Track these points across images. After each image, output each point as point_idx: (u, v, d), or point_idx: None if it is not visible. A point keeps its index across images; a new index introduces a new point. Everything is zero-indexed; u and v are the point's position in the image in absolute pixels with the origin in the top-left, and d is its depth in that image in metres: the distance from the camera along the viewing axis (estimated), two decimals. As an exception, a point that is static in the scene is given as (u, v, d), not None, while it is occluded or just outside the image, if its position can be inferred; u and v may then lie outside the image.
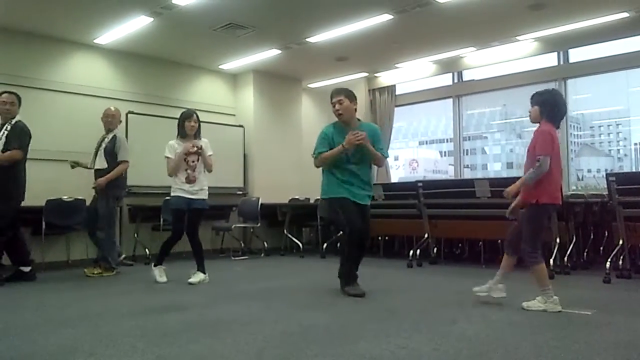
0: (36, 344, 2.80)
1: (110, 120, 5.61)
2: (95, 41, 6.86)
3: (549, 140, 3.59)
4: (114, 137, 5.53)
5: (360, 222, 4.28)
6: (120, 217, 6.96)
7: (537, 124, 3.75)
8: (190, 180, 4.95)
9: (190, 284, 4.87)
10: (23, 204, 5.85)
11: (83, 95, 6.84)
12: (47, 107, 6.37)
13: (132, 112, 7.00)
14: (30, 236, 6.16)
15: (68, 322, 3.37)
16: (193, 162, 4.96)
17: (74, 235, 6.27)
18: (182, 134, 5.00)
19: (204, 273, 5.03)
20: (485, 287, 3.90)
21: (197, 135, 5.04)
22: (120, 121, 5.76)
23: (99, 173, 5.46)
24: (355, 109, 4.43)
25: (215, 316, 3.52)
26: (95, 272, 5.46)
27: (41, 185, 5.76)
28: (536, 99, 3.76)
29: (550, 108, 3.69)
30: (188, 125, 4.96)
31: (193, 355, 2.56)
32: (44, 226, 5.85)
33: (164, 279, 5.01)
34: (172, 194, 5.02)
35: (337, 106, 4.33)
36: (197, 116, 5.06)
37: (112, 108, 5.72)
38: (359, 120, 4.47)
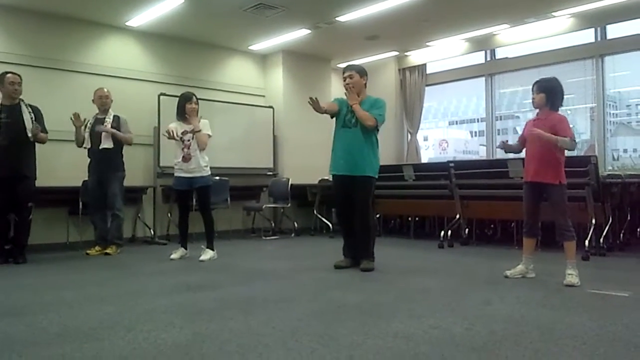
0: (78, 320, 2.89)
1: (104, 101, 5.69)
2: (127, 24, 6.93)
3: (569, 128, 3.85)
4: (116, 117, 5.67)
5: (342, 201, 4.61)
6: (154, 197, 7.10)
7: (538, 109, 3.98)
8: (185, 159, 5.14)
9: (201, 261, 5.06)
10: (59, 184, 6.05)
11: (115, 77, 6.92)
12: (80, 90, 6.43)
13: (164, 94, 7.07)
14: (67, 216, 6.35)
15: (107, 299, 3.47)
16: (188, 140, 5.13)
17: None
18: (182, 116, 5.20)
19: (213, 250, 5.23)
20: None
21: (196, 115, 5.20)
22: (112, 100, 5.80)
23: (106, 152, 5.55)
24: (365, 84, 4.63)
25: (248, 294, 3.58)
26: (111, 251, 5.57)
27: (74, 167, 5.89)
28: (542, 86, 3.93)
29: (555, 95, 3.89)
30: (189, 107, 5.16)
31: (229, 332, 2.61)
32: (80, 206, 5.99)
33: (176, 255, 5.23)
34: (174, 175, 5.26)
35: (347, 80, 4.57)
36: (197, 97, 5.24)
37: (105, 89, 5.78)
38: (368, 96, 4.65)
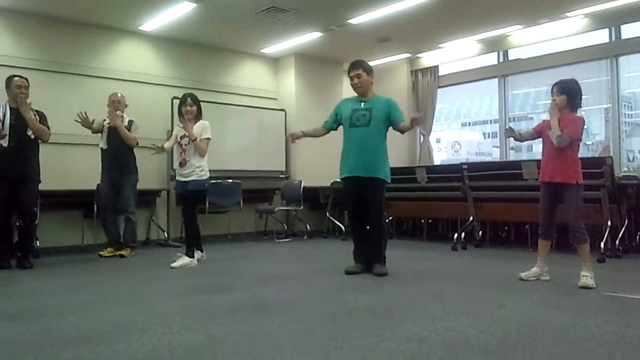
0: (93, 322, 2.91)
1: (117, 105, 5.68)
2: (140, 28, 6.99)
3: (581, 129, 3.82)
4: (131, 121, 5.70)
5: (353, 206, 4.50)
6: (168, 200, 7.14)
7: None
8: (181, 164, 5.01)
9: (172, 268, 4.83)
10: (74, 187, 6.10)
11: (128, 81, 6.99)
12: (94, 94, 6.47)
13: (177, 98, 7.05)
14: (82, 219, 6.41)
15: (121, 301, 3.50)
16: (185, 145, 4.99)
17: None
18: (181, 118, 5.10)
19: (191, 257, 4.99)
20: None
21: (197, 117, 5.04)
22: (126, 105, 5.81)
23: (118, 155, 5.60)
24: (372, 82, 4.52)
25: (261, 297, 3.58)
26: (126, 253, 5.62)
27: (87, 170, 5.93)
28: (563, 87, 3.88)
29: (576, 96, 3.86)
30: (184, 110, 5.02)
31: (243, 335, 2.61)
32: (95, 209, 6.03)
33: (194, 262, 5.03)
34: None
35: (355, 80, 4.48)
36: (193, 99, 5.06)
37: (119, 94, 5.78)
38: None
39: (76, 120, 5.42)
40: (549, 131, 3.82)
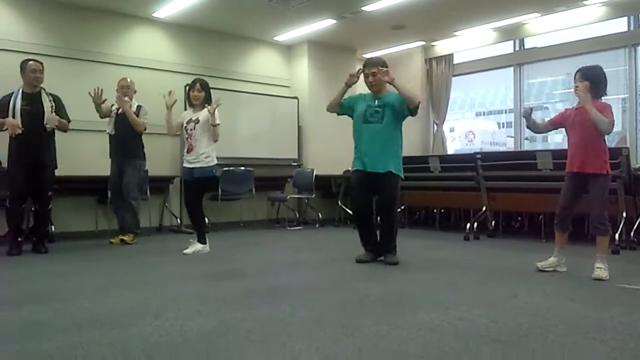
0: (106, 306, 2.95)
1: (126, 91, 5.67)
2: (153, 15, 6.99)
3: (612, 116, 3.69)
4: (139, 107, 5.69)
5: (359, 196, 4.43)
6: (181, 187, 7.17)
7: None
8: (188, 150, 4.98)
9: (184, 254, 4.87)
10: (88, 173, 6.14)
11: (141, 68, 7.00)
12: (107, 80, 6.45)
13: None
14: (96, 204, 6.47)
15: (134, 286, 3.53)
16: (191, 130, 4.94)
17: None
18: (190, 104, 5.08)
19: (204, 243, 5.03)
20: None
21: (206, 102, 4.97)
22: (135, 91, 5.81)
23: (124, 140, 5.61)
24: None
25: (272, 284, 3.60)
26: (128, 239, 5.60)
27: (101, 156, 5.96)
28: (587, 74, 3.77)
29: (600, 83, 3.76)
30: (192, 95, 4.99)
31: (254, 321, 2.62)
32: (109, 195, 6.08)
33: (206, 248, 5.05)
34: None
35: (370, 78, 4.42)
36: (202, 84, 5.00)
37: (128, 79, 5.78)
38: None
39: (89, 93, 5.42)
40: (592, 116, 3.63)
